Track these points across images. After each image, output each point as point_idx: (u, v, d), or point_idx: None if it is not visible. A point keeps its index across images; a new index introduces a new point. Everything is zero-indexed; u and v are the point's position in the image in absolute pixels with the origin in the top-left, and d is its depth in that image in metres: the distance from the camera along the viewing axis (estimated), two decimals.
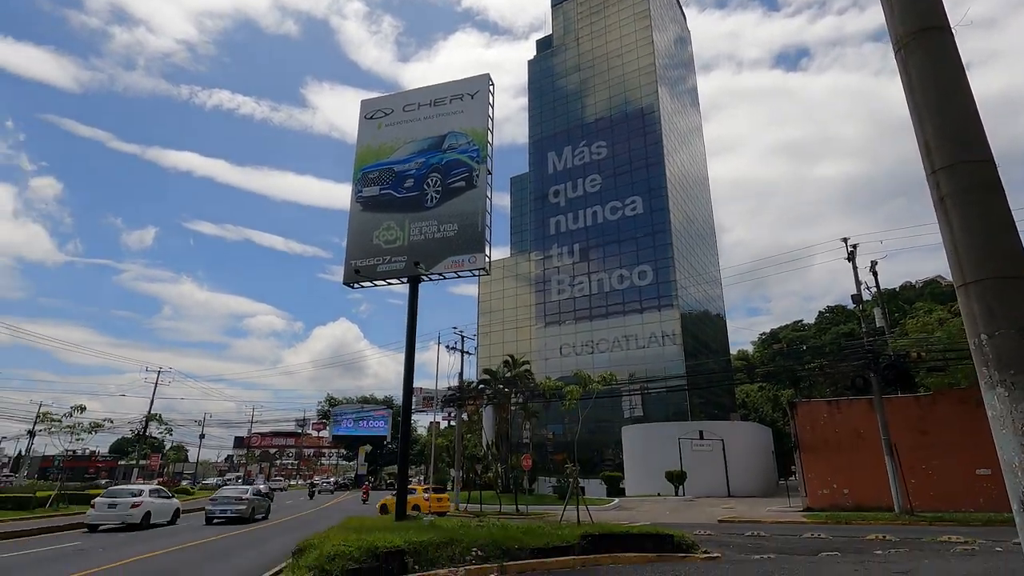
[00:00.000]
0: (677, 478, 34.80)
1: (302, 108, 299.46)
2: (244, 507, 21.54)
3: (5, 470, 68.03)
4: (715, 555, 11.43)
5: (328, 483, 68.30)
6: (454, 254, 16.37)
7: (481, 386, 38.57)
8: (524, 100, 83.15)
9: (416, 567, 9.06)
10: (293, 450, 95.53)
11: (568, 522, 14.66)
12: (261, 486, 33.01)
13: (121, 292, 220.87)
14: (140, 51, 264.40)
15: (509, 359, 39.63)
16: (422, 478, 73.71)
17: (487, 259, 16.36)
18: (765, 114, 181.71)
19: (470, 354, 33.49)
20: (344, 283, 17.70)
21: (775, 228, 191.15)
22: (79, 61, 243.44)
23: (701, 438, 36.03)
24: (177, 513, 21.68)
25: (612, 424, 48.04)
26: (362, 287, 17.94)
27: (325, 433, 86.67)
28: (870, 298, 25.21)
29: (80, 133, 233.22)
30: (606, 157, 63.11)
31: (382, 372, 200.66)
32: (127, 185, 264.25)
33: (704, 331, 61.38)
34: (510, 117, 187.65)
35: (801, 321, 68.20)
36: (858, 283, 23.00)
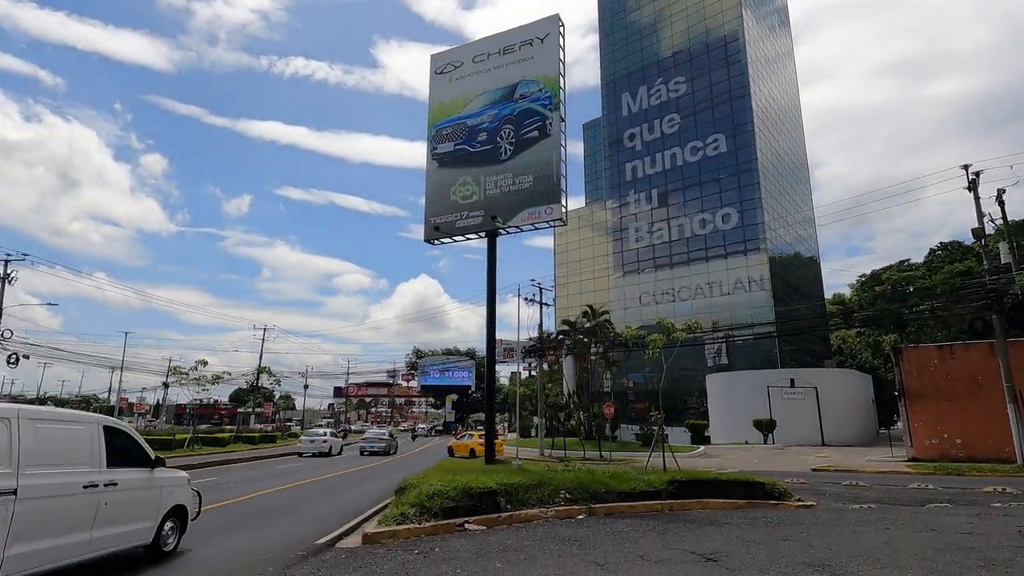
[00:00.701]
0: (766, 426, 33.85)
1: (373, 69, 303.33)
2: (384, 444, 31.36)
3: (148, 416, 78.06)
4: (810, 503, 11.15)
5: (423, 429, 74.83)
6: (530, 206, 16.31)
7: (560, 337, 38.96)
8: (594, 38, 79.19)
9: (508, 507, 9.57)
10: (386, 399, 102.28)
11: (654, 468, 14.80)
12: (378, 431, 38.09)
13: (225, 257, 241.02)
14: (220, 25, 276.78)
15: (588, 309, 39.57)
16: (506, 425, 76.80)
17: (563, 210, 16.17)
18: (868, 30, 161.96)
19: (549, 306, 33.80)
20: (425, 240, 18.23)
21: (879, 159, 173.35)
22: (169, 41, 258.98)
23: (792, 386, 34.60)
24: (341, 448, 32.01)
25: (695, 373, 47.13)
26: (441, 243, 18.40)
27: (414, 383, 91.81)
28: (994, 231, 22.54)
29: (178, 111, 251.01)
30: (685, 94, 59.28)
31: (463, 325, 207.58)
32: (222, 157, 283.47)
33: (795, 275, 57.83)
34: (580, 59, 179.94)
35: (908, 260, 62.22)
36: (980, 215, 20.58)
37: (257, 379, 60.60)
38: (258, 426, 61.33)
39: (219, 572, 6.56)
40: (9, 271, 33.65)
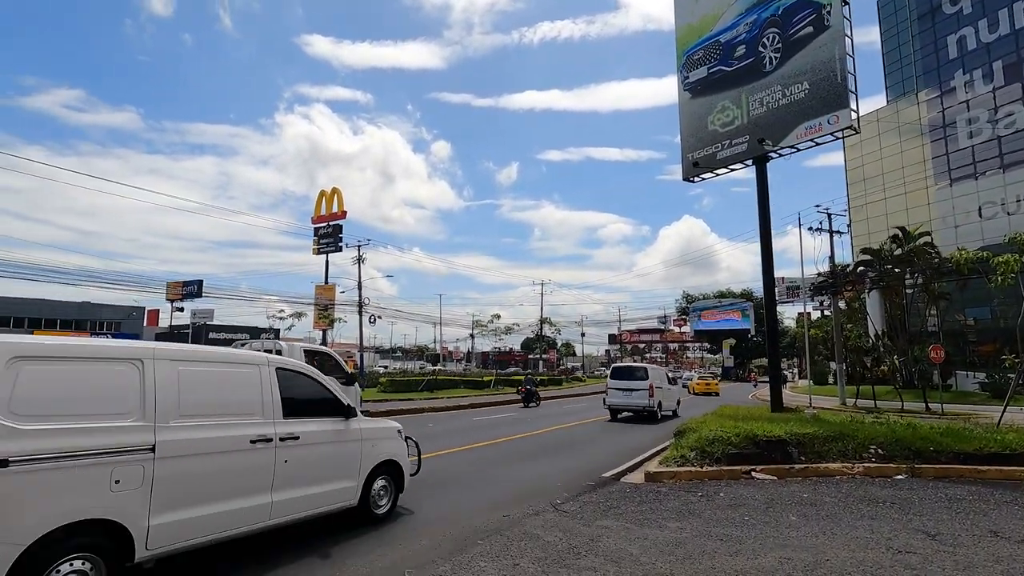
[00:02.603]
0: None
1: (613, 11, 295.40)
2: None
3: (463, 362, 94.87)
4: None
5: (687, 376, 72.62)
6: (807, 119, 13.91)
7: (860, 268, 32.83)
8: None
9: (802, 458, 8.70)
10: (659, 345, 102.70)
11: (1012, 426, 11.51)
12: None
13: (502, 222, 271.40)
14: (473, 11, 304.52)
15: (898, 232, 32.28)
16: (795, 371, 69.22)
17: (853, 115, 13.34)
18: None
19: (841, 233, 28.74)
20: (683, 179, 17.28)
21: None
22: (438, 40, 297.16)
23: None
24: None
25: None
26: (702, 179, 17.18)
27: (686, 329, 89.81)
28: None
29: (453, 101, 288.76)
30: None
31: (735, 265, 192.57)
32: (490, 133, 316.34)
33: None
34: None
35: None
36: None
37: (540, 329, 67.59)
38: (543, 370, 68.45)
39: (507, 500, 7.69)
40: (361, 254, 44.31)
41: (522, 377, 42.24)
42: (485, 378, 38.89)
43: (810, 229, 27.99)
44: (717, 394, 36.49)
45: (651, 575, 4.33)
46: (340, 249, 47.38)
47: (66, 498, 3.48)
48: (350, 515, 5.69)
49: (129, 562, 3.75)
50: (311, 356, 11.74)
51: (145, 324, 64.93)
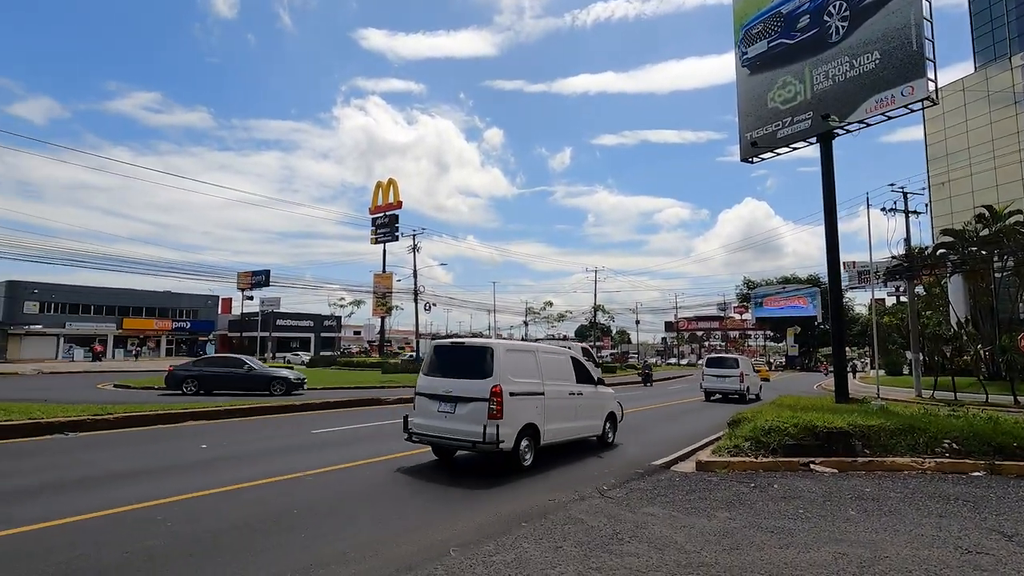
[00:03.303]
0: None
1: None
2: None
3: None
4: None
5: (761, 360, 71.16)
6: (878, 91, 13.00)
7: (941, 251, 30.48)
8: None
9: (866, 451, 8.28)
10: (718, 332, 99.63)
11: None
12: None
13: (556, 209, 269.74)
14: None
15: (985, 211, 29.71)
16: (867, 361, 65.47)
17: (931, 84, 12.35)
18: None
19: (918, 214, 26.71)
20: (742, 159, 16.60)
21: None
22: (490, 28, 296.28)
23: None
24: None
25: None
26: (762, 160, 16.43)
27: (747, 316, 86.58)
28: None
29: (505, 88, 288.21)
30: None
31: (801, 249, 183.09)
32: (543, 119, 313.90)
33: None
34: None
35: None
36: None
37: (594, 316, 67.01)
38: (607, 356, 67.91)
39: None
40: (416, 242, 45.25)
41: None
42: None
43: (883, 210, 26.16)
44: (767, 379, 38.09)
45: (695, 564, 4.28)
46: (396, 238, 48.61)
47: (525, 411, 7.85)
48: (597, 441, 10.21)
49: (538, 445, 8.06)
50: (584, 352, 19.84)
51: (219, 312, 69.12)
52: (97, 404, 12.78)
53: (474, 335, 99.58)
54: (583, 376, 9.59)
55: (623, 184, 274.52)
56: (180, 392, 18.36)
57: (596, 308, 69.17)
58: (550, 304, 48.66)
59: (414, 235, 46.43)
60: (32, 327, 52.56)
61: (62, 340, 54.32)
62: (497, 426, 7.19)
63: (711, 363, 22.57)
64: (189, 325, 64.32)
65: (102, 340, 56.51)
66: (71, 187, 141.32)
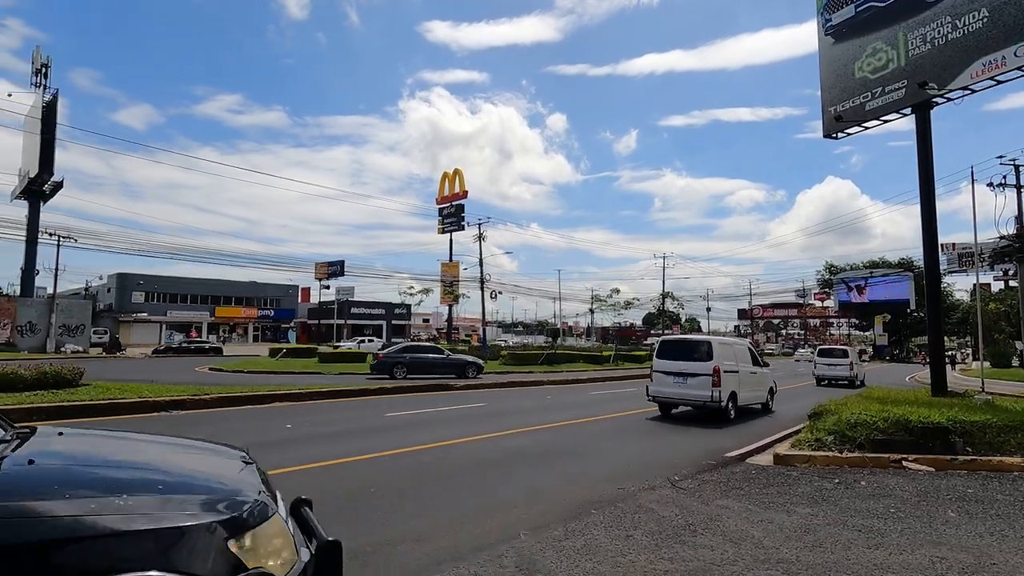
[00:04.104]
0: None
1: None
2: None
3: (583, 336, 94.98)
4: None
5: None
6: (985, 53, 11.71)
7: None
8: None
9: (968, 449, 7.60)
10: (797, 320, 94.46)
11: None
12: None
13: (621, 194, 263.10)
14: None
15: None
16: (967, 352, 59.88)
17: None
18: None
19: None
20: (824, 136, 15.50)
21: None
22: (552, 12, 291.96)
23: None
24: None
25: None
26: (848, 135, 15.28)
27: (829, 302, 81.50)
28: None
29: (569, 72, 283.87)
30: None
31: (891, 230, 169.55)
32: (607, 103, 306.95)
33: None
34: None
35: None
36: None
37: (662, 303, 65.37)
38: None
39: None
40: (482, 231, 45.80)
41: (643, 353, 41.35)
42: (604, 353, 38.60)
43: (990, 185, 23.65)
44: None
45: (773, 560, 4.11)
46: (463, 228, 49.37)
47: (730, 383, 12.00)
48: (762, 408, 14.06)
49: (736, 406, 12.23)
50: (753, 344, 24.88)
51: (299, 300, 73.25)
52: (216, 386, 13.93)
53: (540, 324, 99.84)
54: (756, 361, 14.02)
55: (692, 166, 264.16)
56: (388, 376, 20.40)
57: (664, 295, 67.44)
58: (617, 291, 47.90)
59: (479, 224, 47.00)
60: (139, 315, 57.90)
61: (164, 327, 59.55)
62: (718, 392, 11.50)
63: (823, 353, 26.63)
64: (273, 313, 68.65)
65: (197, 327, 61.47)
66: (167, 186, 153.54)
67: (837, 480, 6.60)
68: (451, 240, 50.77)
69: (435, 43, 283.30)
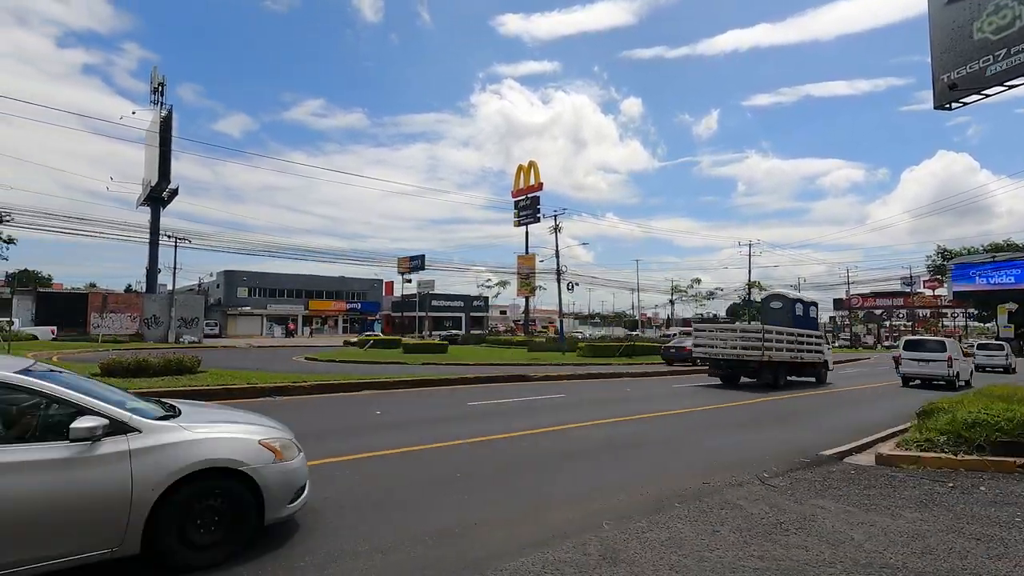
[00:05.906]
0: None
1: None
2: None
3: (662, 328, 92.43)
4: None
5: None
6: None
7: None
8: None
9: None
10: (903, 310, 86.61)
11: None
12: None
13: (701, 180, 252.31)
14: None
15: None
16: None
17: None
18: None
19: None
20: (936, 106, 14.02)
21: None
22: None
23: None
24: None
25: None
26: (963, 104, 13.76)
27: (941, 290, 73.95)
28: None
29: (644, 56, 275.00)
30: None
31: (1019, 207, 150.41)
32: (686, 84, 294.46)
33: None
34: None
35: None
36: None
37: (748, 293, 62.21)
38: None
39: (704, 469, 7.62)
40: (557, 223, 45.69)
41: None
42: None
43: None
44: None
45: (876, 564, 3.87)
46: (538, 220, 49.49)
47: (956, 365, 19.24)
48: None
49: (959, 380, 19.22)
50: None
51: (384, 294, 76.75)
52: (311, 374, 15.06)
53: (617, 315, 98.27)
54: (955, 352, 18.88)
55: (780, 147, 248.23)
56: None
57: (750, 285, 63.98)
58: (697, 282, 46.31)
59: (555, 215, 46.86)
60: (243, 308, 63.18)
61: (264, 319, 64.61)
62: (952, 371, 18.30)
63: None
64: (360, 306, 72.44)
65: (294, 319, 66.20)
66: (263, 189, 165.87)
67: (951, 484, 6.06)
68: (527, 232, 51.02)
69: (507, 36, 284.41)
